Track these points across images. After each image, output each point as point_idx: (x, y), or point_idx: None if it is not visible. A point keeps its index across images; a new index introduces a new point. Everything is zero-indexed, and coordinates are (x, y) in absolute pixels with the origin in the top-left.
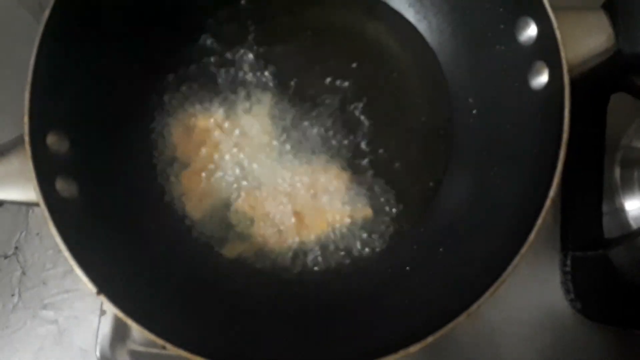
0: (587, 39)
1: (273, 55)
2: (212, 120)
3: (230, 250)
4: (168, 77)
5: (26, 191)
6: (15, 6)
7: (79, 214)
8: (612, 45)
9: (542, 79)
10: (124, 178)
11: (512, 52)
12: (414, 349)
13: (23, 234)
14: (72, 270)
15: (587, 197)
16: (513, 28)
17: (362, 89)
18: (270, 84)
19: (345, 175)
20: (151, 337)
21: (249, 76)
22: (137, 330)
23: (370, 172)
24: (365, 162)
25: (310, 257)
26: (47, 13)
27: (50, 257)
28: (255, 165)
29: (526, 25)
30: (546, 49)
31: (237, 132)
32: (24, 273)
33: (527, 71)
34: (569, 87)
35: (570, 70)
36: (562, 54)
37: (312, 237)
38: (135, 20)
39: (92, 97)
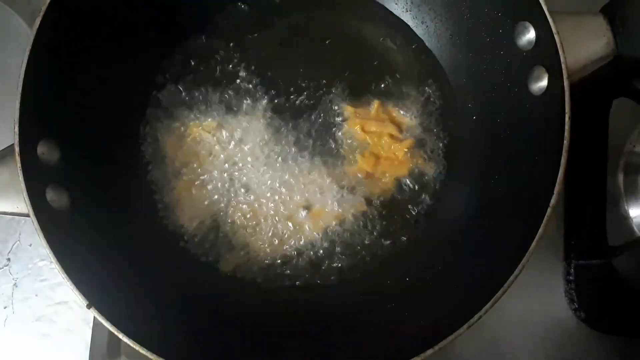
0: (587, 44)
1: (267, 61)
2: (204, 128)
3: (226, 264)
4: (160, 85)
5: (16, 202)
6: (9, 14)
7: (70, 225)
8: (611, 50)
9: (541, 84)
10: (115, 188)
11: (512, 57)
12: None
13: (15, 245)
14: (64, 282)
15: (590, 204)
16: (512, 33)
17: (360, 92)
18: (264, 90)
19: (338, 177)
20: (142, 351)
21: (242, 82)
22: (128, 345)
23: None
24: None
25: (307, 266)
26: (38, 21)
27: (43, 268)
28: (248, 172)
29: (525, 30)
30: (545, 53)
31: (229, 139)
32: (16, 285)
33: (526, 76)
34: (569, 91)
35: (570, 75)
36: (562, 59)
37: (308, 241)
38: (127, 28)
39: (83, 107)
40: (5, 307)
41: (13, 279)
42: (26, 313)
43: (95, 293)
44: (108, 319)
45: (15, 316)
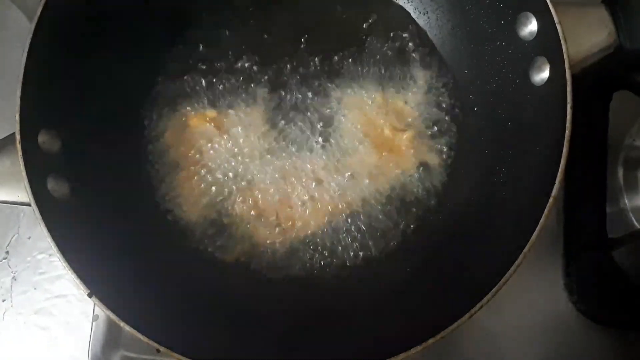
0: (588, 35)
1: (267, 52)
2: (205, 119)
3: (229, 253)
4: (160, 76)
5: (17, 191)
6: (8, 6)
7: (71, 215)
8: (613, 41)
9: (543, 74)
10: (116, 178)
11: (513, 48)
12: (415, 350)
13: (14, 238)
14: (63, 275)
15: (590, 197)
16: (514, 23)
17: (361, 83)
18: (264, 81)
19: (340, 168)
20: (144, 340)
21: (241, 73)
22: (129, 335)
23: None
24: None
25: (310, 257)
26: (38, 12)
27: (42, 261)
28: (249, 162)
29: (527, 20)
30: (547, 44)
31: (230, 130)
32: (15, 278)
33: (528, 67)
34: (571, 82)
35: (571, 66)
36: (564, 49)
37: (311, 232)
38: (127, 19)
39: (84, 96)
40: (4, 300)
41: (12, 272)
42: (25, 306)
43: (96, 282)
44: (109, 307)
45: (14, 309)
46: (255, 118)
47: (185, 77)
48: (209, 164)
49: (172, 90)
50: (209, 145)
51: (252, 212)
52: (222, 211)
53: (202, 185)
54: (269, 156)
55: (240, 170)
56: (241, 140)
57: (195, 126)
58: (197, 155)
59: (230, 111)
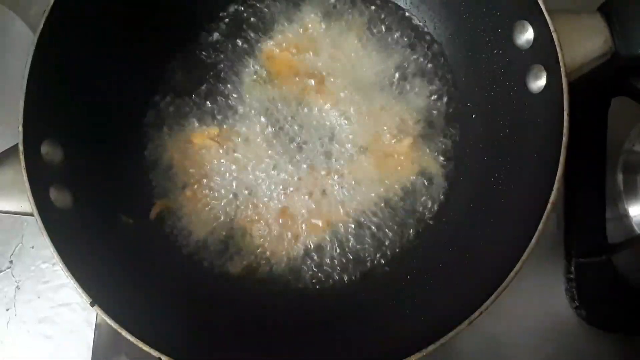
0: (584, 42)
1: (267, 62)
2: (207, 133)
3: (233, 267)
4: (162, 90)
5: (20, 201)
6: (11, 17)
7: (73, 225)
8: (609, 48)
9: (540, 82)
10: (119, 189)
11: (510, 56)
12: (415, 357)
13: (18, 247)
14: (66, 283)
15: (590, 203)
16: (510, 32)
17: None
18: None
19: (341, 176)
20: (146, 348)
21: (244, 86)
22: (132, 343)
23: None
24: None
25: (312, 266)
26: (41, 23)
27: (45, 270)
28: (252, 175)
29: (523, 29)
30: (544, 52)
31: (231, 143)
32: (18, 287)
33: (525, 75)
34: (568, 89)
35: (568, 73)
36: (560, 57)
37: (314, 241)
38: (130, 32)
39: (87, 108)
40: (8, 309)
41: (16, 281)
42: (29, 315)
43: (98, 291)
44: (112, 317)
45: (18, 318)
46: (258, 133)
47: (187, 92)
48: (211, 177)
49: (175, 104)
50: (211, 159)
51: (256, 225)
52: (226, 222)
53: (205, 199)
54: (271, 169)
55: (242, 184)
56: (243, 155)
57: (197, 140)
58: (200, 170)
59: (231, 126)
